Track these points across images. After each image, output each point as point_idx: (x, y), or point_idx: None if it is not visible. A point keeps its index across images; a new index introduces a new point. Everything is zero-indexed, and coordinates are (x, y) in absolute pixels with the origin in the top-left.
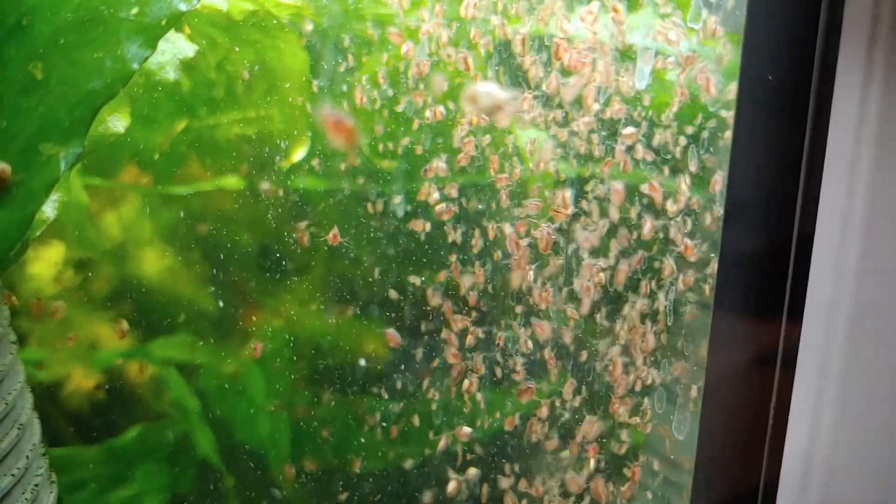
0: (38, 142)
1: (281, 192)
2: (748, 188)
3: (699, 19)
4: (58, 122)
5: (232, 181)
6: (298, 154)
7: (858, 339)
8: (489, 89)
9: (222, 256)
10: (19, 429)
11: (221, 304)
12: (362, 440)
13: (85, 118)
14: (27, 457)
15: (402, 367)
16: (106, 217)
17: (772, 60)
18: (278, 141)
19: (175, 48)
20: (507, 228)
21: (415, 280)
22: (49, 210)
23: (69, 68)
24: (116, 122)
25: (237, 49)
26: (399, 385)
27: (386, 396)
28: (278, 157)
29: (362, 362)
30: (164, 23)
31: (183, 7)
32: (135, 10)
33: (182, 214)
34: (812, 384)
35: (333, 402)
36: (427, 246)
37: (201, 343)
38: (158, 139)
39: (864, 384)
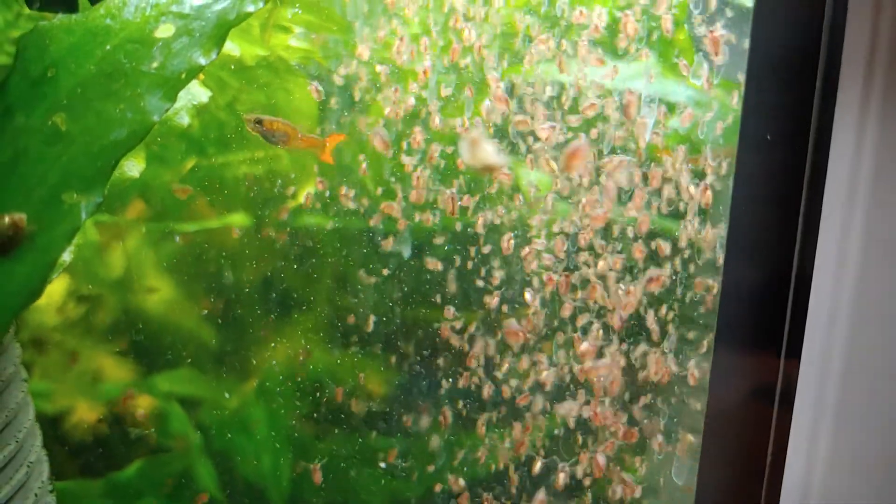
0: (61, 191)
1: (287, 230)
2: (748, 228)
3: (700, 72)
4: (80, 172)
5: (239, 218)
6: (305, 193)
7: (855, 375)
8: (486, 148)
9: (227, 292)
10: (29, 467)
11: (224, 339)
12: (364, 476)
13: (106, 169)
14: (35, 494)
15: (405, 403)
16: (112, 251)
17: (772, 103)
18: (285, 180)
19: (189, 94)
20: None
21: (419, 317)
22: (66, 254)
23: (92, 120)
24: (132, 167)
25: (247, 91)
26: (401, 422)
27: (388, 433)
28: (285, 196)
29: (364, 398)
30: (184, 76)
31: (202, 61)
32: (156, 64)
33: (188, 250)
34: (809, 421)
35: (335, 438)
36: (430, 284)
37: (203, 377)
38: (168, 177)
39: (861, 420)
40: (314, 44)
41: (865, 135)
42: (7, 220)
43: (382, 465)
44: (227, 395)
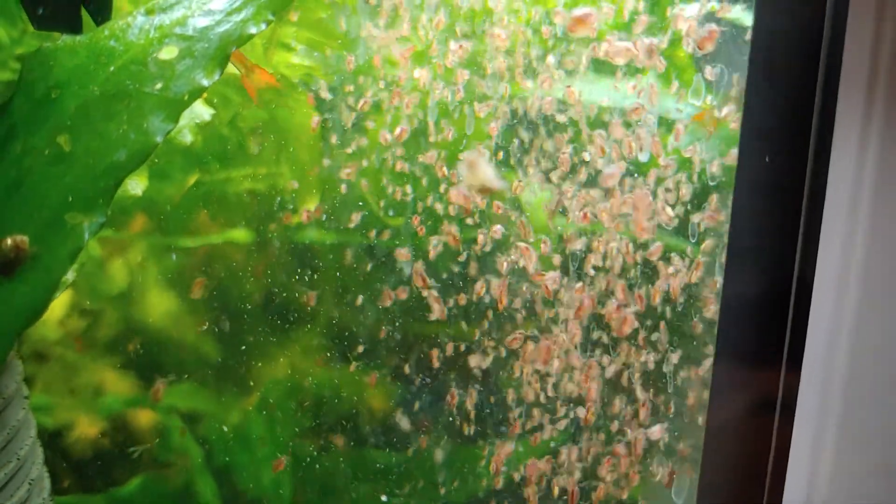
0: (64, 211)
1: (288, 246)
2: (749, 239)
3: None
4: (83, 193)
5: (240, 234)
6: (307, 209)
7: (857, 387)
8: (485, 170)
9: (229, 307)
10: (30, 484)
11: (226, 353)
12: (363, 490)
13: (109, 189)
14: None
15: (405, 418)
16: (114, 266)
17: (773, 112)
18: (287, 196)
19: (192, 112)
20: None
21: (420, 334)
22: (69, 273)
23: (95, 141)
24: (135, 185)
25: (249, 107)
26: (403, 436)
27: (388, 448)
28: (286, 212)
29: (365, 413)
30: (186, 98)
31: (205, 82)
32: (159, 86)
33: (190, 265)
34: (812, 433)
35: (335, 452)
36: (430, 299)
37: (205, 391)
38: (170, 192)
39: (863, 432)
40: (316, 60)
41: (868, 141)
42: (9, 241)
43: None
44: (227, 411)
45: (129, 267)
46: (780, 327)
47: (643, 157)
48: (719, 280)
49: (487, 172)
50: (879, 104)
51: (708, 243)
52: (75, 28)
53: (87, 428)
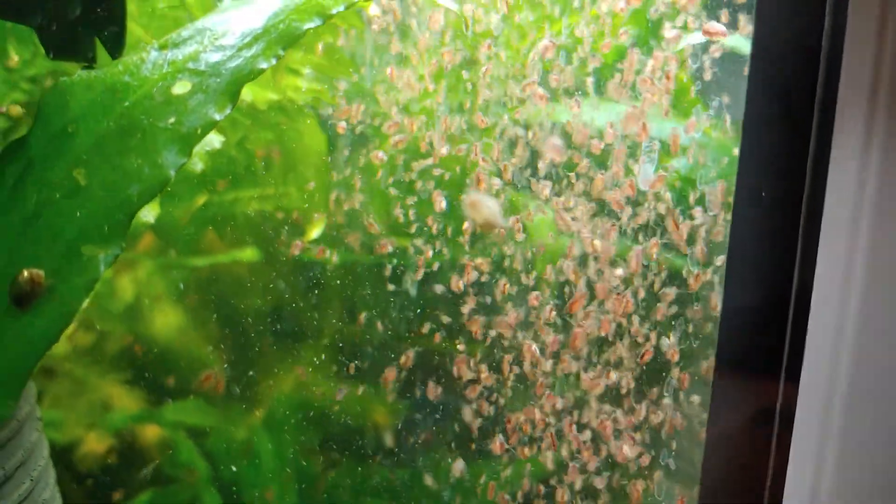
0: (80, 244)
1: (296, 265)
2: (748, 250)
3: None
4: (98, 226)
5: (248, 253)
6: (315, 229)
7: (856, 399)
8: (489, 206)
9: (237, 324)
10: None
11: (232, 369)
12: None
13: (124, 222)
14: None
15: (412, 434)
16: (123, 285)
17: (771, 123)
18: (294, 216)
19: (203, 141)
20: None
21: (425, 350)
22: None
23: (110, 174)
24: (147, 213)
25: (258, 129)
26: (408, 452)
27: (394, 464)
28: (295, 232)
29: (370, 429)
30: (199, 131)
31: (217, 117)
32: (172, 120)
33: (199, 283)
34: (813, 447)
35: (341, 468)
36: (436, 315)
37: (211, 407)
38: (179, 213)
39: (863, 444)
40: (323, 84)
41: (870, 147)
42: (26, 274)
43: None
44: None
45: (137, 284)
46: (779, 340)
47: (646, 177)
48: (719, 295)
49: (491, 209)
50: (881, 113)
51: (707, 258)
52: (89, 58)
53: (95, 444)
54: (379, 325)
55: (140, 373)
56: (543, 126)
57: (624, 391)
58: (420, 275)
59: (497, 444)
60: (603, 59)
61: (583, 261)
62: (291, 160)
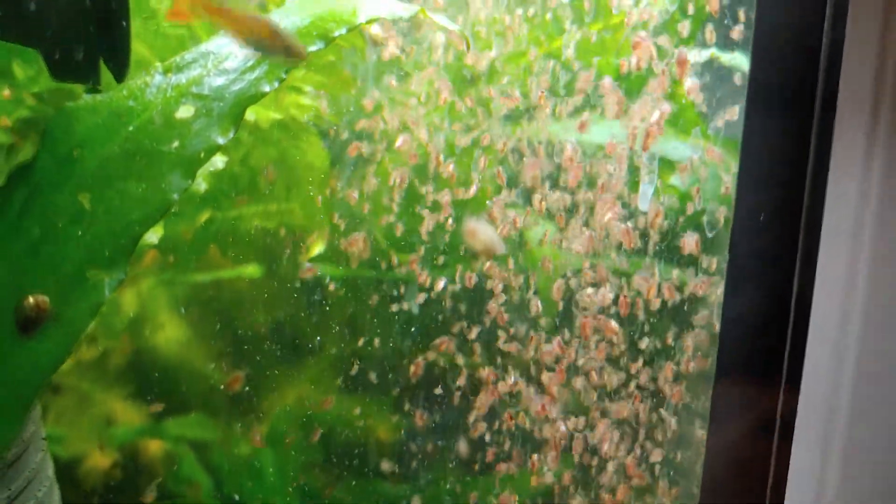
0: (85, 268)
1: (298, 281)
2: (748, 262)
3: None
4: (103, 250)
5: (251, 270)
6: (317, 246)
7: (857, 407)
8: (487, 232)
9: (239, 340)
10: None
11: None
12: None
13: (128, 246)
14: None
15: (416, 449)
16: (126, 300)
17: (772, 133)
18: (297, 233)
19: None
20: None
21: (426, 364)
22: None
23: (115, 199)
24: (151, 235)
25: (260, 146)
26: (412, 469)
27: (399, 480)
28: (297, 249)
29: (373, 444)
30: (202, 155)
31: (220, 141)
32: (176, 144)
33: (202, 298)
34: (816, 458)
35: (345, 484)
36: (439, 331)
37: (214, 422)
38: (182, 229)
39: (864, 451)
40: (325, 101)
41: (874, 151)
42: (31, 300)
43: None
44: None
45: (140, 300)
46: (779, 348)
47: (646, 192)
48: (719, 303)
49: (489, 236)
50: (883, 122)
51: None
52: (94, 80)
53: (99, 459)
54: (382, 342)
55: (144, 387)
56: (544, 144)
57: (627, 413)
58: (422, 297)
59: (499, 459)
60: (601, 76)
61: (582, 278)
62: (294, 177)
